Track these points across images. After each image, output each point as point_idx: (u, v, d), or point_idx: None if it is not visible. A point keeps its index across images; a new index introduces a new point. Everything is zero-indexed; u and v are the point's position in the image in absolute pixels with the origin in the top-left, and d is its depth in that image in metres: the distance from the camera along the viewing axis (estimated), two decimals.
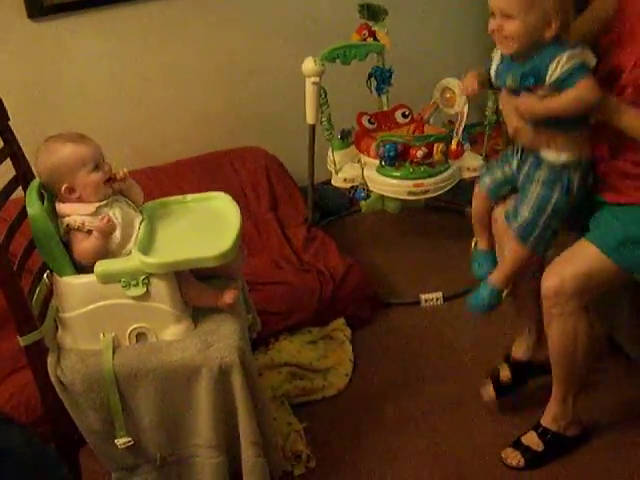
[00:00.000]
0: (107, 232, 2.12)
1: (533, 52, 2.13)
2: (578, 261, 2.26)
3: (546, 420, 2.54)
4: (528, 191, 2.35)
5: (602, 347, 2.47)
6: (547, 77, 2.10)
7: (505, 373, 2.76)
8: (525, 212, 2.35)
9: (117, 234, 2.15)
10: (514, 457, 2.54)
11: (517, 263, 2.43)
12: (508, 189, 2.51)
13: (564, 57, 2.07)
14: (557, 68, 2.08)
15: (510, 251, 2.44)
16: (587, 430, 2.60)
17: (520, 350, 2.77)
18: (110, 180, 2.17)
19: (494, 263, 2.60)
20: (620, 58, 2.24)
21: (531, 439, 2.55)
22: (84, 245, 2.10)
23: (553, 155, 2.28)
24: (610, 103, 2.15)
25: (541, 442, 2.53)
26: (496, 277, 2.48)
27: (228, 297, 2.23)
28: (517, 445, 2.56)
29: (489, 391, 2.76)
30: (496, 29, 2.14)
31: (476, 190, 2.62)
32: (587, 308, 2.31)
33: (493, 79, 2.37)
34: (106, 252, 2.13)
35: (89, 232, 2.11)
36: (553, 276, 2.28)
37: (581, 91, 2.08)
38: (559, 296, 2.26)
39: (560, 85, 2.10)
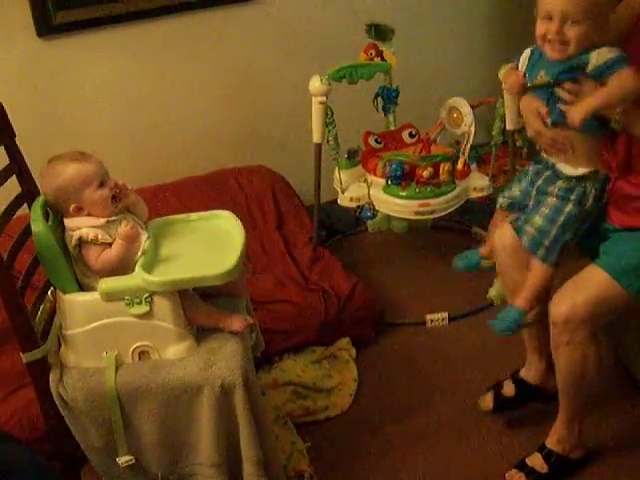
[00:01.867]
0: (132, 238, 2.12)
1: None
2: (588, 287, 2.22)
3: (551, 442, 2.52)
4: (542, 203, 2.36)
5: (609, 370, 2.44)
6: (588, 66, 2.08)
7: (509, 389, 2.78)
8: (536, 221, 2.36)
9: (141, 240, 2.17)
10: (518, 479, 2.51)
11: (537, 283, 2.40)
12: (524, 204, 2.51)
13: (604, 48, 2.07)
14: (598, 57, 2.06)
15: (531, 271, 2.42)
16: (591, 453, 2.57)
17: (529, 373, 2.78)
18: (115, 198, 2.17)
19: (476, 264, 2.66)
20: None
21: (535, 461, 2.52)
22: (107, 255, 2.11)
23: (570, 169, 2.29)
24: None
25: (545, 464, 2.50)
26: (520, 299, 2.45)
27: (238, 325, 2.24)
28: (521, 467, 2.54)
29: (487, 401, 2.80)
30: (553, 33, 2.08)
31: (497, 208, 2.62)
32: (596, 335, 2.27)
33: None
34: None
35: (103, 244, 2.11)
36: (563, 303, 2.24)
37: (625, 79, 2.04)
38: (569, 323, 2.23)
39: (602, 73, 2.08)
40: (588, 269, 2.27)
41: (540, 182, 2.39)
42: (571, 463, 2.53)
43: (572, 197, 2.30)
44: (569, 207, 2.31)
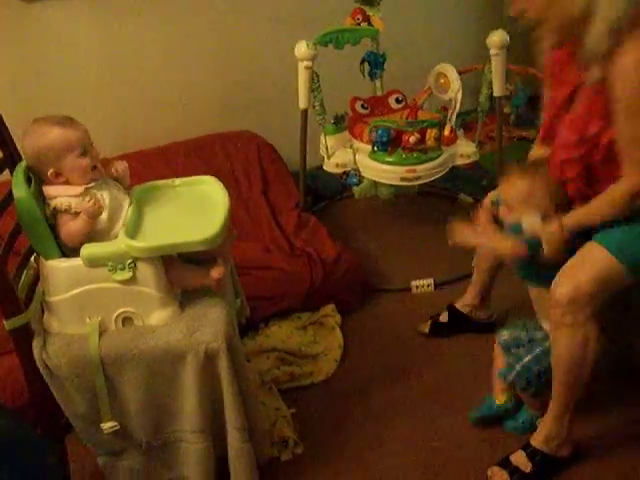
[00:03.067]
0: (94, 214, 2.08)
1: None
2: (590, 265, 2.20)
3: (537, 440, 2.45)
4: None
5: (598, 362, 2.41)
6: None
7: (444, 317, 3.10)
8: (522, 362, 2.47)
9: (104, 216, 2.12)
10: (501, 477, 2.43)
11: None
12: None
13: None
14: None
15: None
16: (579, 449, 2.50)
17: (462, 303, 3.06)
18: (97, 167, 2.14)
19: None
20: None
21: (520, 459, 2.45)
22: (70, 227, 2.08)
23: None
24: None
25: (530, 463, 2.42)
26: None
27: (215, 272, 2.21)
28: (505, 464, 2.46)
29: (425, 327, 3.12)
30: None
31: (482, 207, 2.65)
32: (595, 318, 2.23)
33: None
34: (93, 234, 2.11)
35: (76, 214, 2.08)
36: (566, 283, 2.21)
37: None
38: (574, 303, 2.19)
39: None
40: (587, 247, 2.25)
41: (533, 330, 2.53)
42: (557, 461, 2.46)
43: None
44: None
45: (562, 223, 2.23)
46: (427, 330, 3.11)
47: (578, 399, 2.37)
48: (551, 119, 2.40)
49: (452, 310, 3.09)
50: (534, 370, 2.42)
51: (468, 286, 3.05)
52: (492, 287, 2.98)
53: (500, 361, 2.58)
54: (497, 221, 2.49)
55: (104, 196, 2.13)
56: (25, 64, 3.50)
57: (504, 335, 2.57)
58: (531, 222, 2.28)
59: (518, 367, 2.45)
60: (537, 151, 2.57)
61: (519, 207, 2.33)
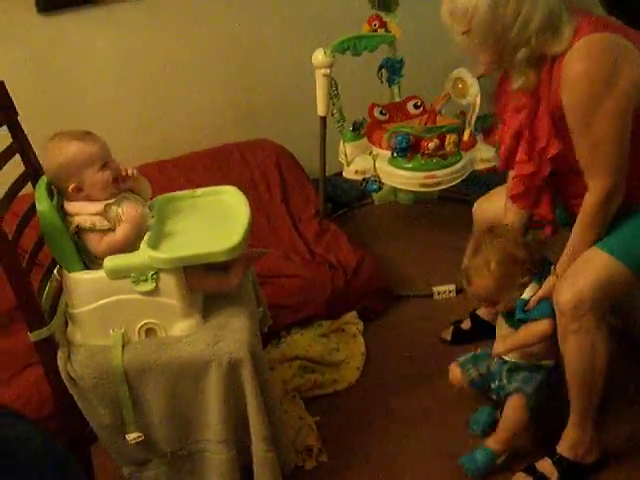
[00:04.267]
0: (140, 222, 2.13)
1: None
2: (591, 270, 2.18)
3: (562, 448, 2.42)
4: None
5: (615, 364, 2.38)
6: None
7: (466, 323, 3.10)
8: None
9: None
10: None
11: (514, 420, 2.47)
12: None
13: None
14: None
15: (506, 409, 2.50)
16: (606, 454, 2.47)
17: (483, 310, 3.03)
18: (118, 180, 2.15)
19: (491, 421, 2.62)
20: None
21: (545, 467, 2.41)
22: (112, 238, 2.10)
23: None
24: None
25: (556, 471, 2.39)
26: (493, 440, 2.50)
27: (235, 276, 2.23)
28: (530, 471, 2.43)
29: (447, 334, 3.12)
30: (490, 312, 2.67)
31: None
32: (604, 321, 2.22)
33: None
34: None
35: (102, 231, 2.11)
36: (569, 290, 2.19)
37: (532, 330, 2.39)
38: (577, 310, 2.17)
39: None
40: (588, 252, 2.23)
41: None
42: (583, 468, 2.42)
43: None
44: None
45: (557, 275, 2.29)
46: (449, 337, 3.10)
47: (598, 405, 2.35)
48: (508, 150, 2.40)
49: (474, 317, 3.08)
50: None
51: None
52: None
53: None
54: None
55: (124, 210, 2.13)
56: (42, 77, 3.51)
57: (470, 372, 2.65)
58: (531, 294, 2.37)
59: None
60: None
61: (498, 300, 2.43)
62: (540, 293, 2.33)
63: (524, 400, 2.44)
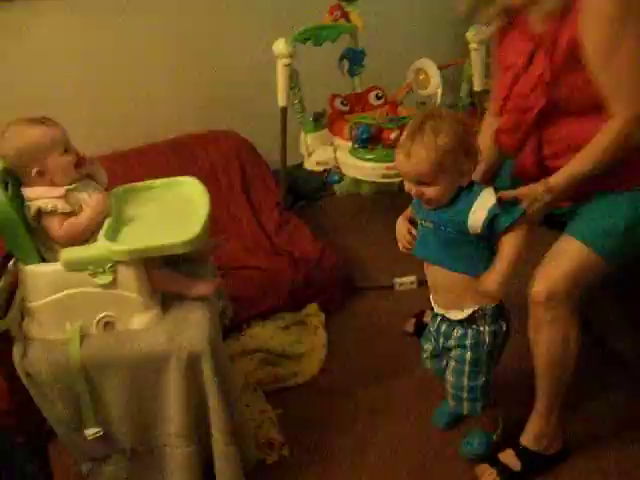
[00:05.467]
0: (104, 208, 2.10)
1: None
2: (564, 259, 2.18)
3: (526, 439, 2.42)
4: (449, 358, 2.35)
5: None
6: (468, 228, 2.08)
7: (428, 315, 3.01)
8: (449, 379, 2.35)
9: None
10: (489, 475, 2.40)
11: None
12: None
13: (477, 207, 2.06)
14: (474, 220, 2.06)
15: None
16: (568, 445, 2.47)
17: None
18: (78, 164, 2.12)
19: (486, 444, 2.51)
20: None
21: (509, 458, 2.42)
22: (74, 222, 2.08)
23: (455, 313, 2.26)
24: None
25: (519, 462, 2.39)
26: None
27: (205, 289, 2.21)
28: (493, 463, 2.42)
29: (409, 326, 3.08)
30: (413, 193, 2.12)
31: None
32: (577, 312, 2.21)
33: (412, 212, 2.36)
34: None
35: (64, 214, 2.08)
36: (542, 280, 2.18)
37: (515, 242, 2.08)
38: (551, 300, 2.16)
39: (490, 234, 2.09)
40: (561, 240, 2.23)
41: (442, 339, 2.34)
42: (546, 459, 2.43)
43: (467, 342, 2.25)
44: (468, 354, 2.27)
45: (549, 185, 2.17)
46: (412, 329, 3.07)
47: (564, 396, 2.35)
48: (503, 100, 2.36)
49: None
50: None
51: None
52: None
53: None
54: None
55: (85, 198, 2.11)
56: (2, 66, 3.45)
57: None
58: (490, 198, 2.08)
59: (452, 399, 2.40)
60: (488, 120, 2.56)
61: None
62: (517, 192, 2.16)
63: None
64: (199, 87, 3.97)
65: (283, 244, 3.35)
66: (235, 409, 2.23)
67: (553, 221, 2.37)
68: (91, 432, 2.15)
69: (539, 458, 2.41)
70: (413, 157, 2.02)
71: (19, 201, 2.08)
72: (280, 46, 3.23)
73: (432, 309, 2.48)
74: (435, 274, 2.27)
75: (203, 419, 2.17)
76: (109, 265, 2.02)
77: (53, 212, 2.07)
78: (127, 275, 2.05)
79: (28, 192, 2.09)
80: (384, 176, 3.36)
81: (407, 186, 2.12)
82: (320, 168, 3.50)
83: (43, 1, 3.44)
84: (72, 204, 2.09)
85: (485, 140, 2.45)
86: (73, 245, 2.07)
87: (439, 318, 2.35)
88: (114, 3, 3.61)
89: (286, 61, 3.26)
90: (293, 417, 2.72)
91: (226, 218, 3.50)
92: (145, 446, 2.25)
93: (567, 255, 2.18)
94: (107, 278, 2.03)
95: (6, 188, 2.04)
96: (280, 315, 3.12)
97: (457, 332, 2.27)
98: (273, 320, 3.10)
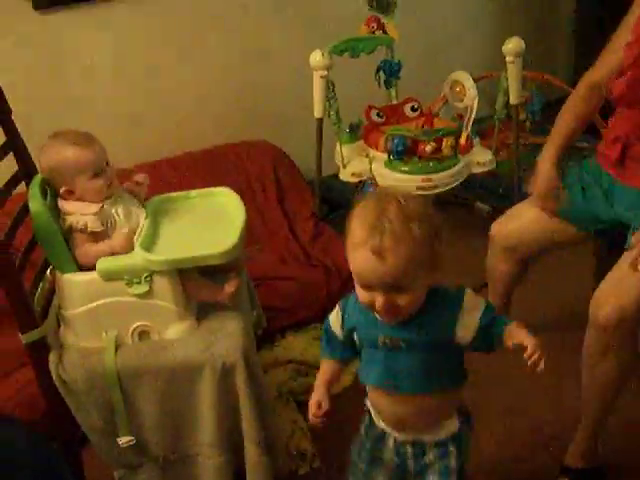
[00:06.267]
0: (124, 249, 2.08)
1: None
2: (633, 282, 2.06)
3: (574, 460, 2.38)
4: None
5: None
6: (455, 339, 1.69)
7: None
8: None
9: (124, 230, 2.12)
10: None
11: None
12: None
13: (465, 316, 1.68)
14: (465, 329, 1.68)
15: None
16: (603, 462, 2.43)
17: None
18: (111, 185, 2.13)
19: None
20: None
21: None
22: (89, 251, 2.09)
23: (431, 436, 1.87)
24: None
25: None
26: None
27: (229, 286, 2.20)
28: None
29: None
30: (381, 305, 1.60)
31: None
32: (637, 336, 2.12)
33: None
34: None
35: (92, 234, 2.09)
36: (610, 303, 2.05)
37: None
38: (622, 325, 2.04)
39: (484, 340, 1.70)
40: (624, 260, 2.13)
41: (409, 462, 1.91)
42: (597, 472, 2.39)
43: (450, 449, 1.85)
44: (453, 462, 1.85)
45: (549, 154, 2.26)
46: None
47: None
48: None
49: None
50: None
51: None
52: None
53: None
54: None
55: (119, 211, 2.13)
56: (37, 75, 3.47)
57: None
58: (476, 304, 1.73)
59: None
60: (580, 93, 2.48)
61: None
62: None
63: None
64: (236, 98, 3.98)
65: (317, 255, 3.35)
66: (267, 419, 2.23)
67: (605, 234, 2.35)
68: (124, 440, 2.16)
69: (591, 473, 2.38)
70: (389, 256, 1.53)
71: (58, 210, 2.10)
72: (317, 58, 3.24)
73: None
74: (402, 403, 1.82)
75: (236, 429, 2.18)
76: (145, 275, 2.04)
77: (82, 231, 2.08)
78: (163, 285, 2.06)
79: (65, 205, 2.11)
80: (419, 188, 3.35)
81: (367, 297, 1.63)
82: (355, 179, 3.50)
83: (88, 10, 3.47)
84: (104, 221, 2.10)
85: (568, 119, 2.45)
86: (87, 264, 2.09)
87: (397, 443, 1.92)
88: (157, 14, 3.64)
89: (323, 73, 3.26)
90: (325, 428, 2.71)
91: (261, 228, 3.50)
92: (177, 455, 2.26)
93: (636, 277, 2.07)
94: (143, 288, 2.05)
95: (45, 197, 2.06)
96: (313, 326, 3.11)
97: (432, 448, 1.87)
98: (306, 331, 3.10)
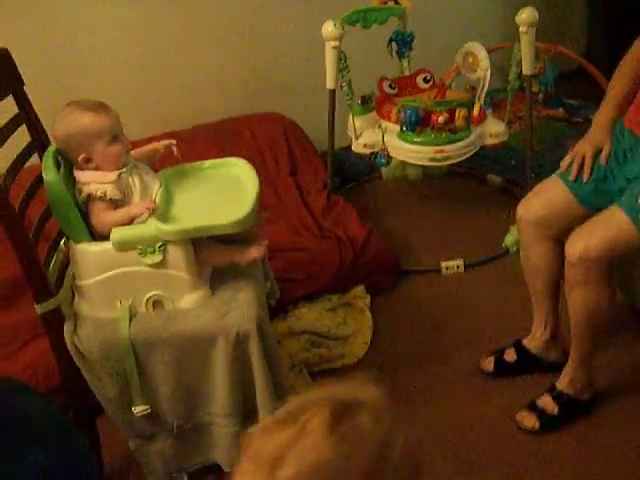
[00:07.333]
0: (139, 217, 2.09)
1: None
2: (605, 227, 2.23)
3: (562, 384, 2.54)
4: None
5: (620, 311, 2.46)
6: None
7: (510, 355, 2.78)
8: None
9: (136, 200, 2.13)
10: (529, 420, 2.53)
11: None
12: None
13: None
14: None
15: None
16: (598, 393, 2.60)
17: (533, 343, 2.75)
18: (128, 153, 2.14)
19: None
20: None
21: (546, 402, 2.54)
22: (107, 217, 2.08)
23: None
24: None
25: (556, 406, 2.52)
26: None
27: (256, 251, 2.20)
28: (532, 408, 2.55)
29: (488, 363, 2.79)
30: None
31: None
32: (610, 280, 2.28)
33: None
34: None
35: (112, 201, 2.09)
36: (579, 242, 2.25)
37: None
38: (583, 262, 2.23)
39: None
40: (609, 209, 2.27)
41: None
42: (581, 404, 2.55)
43: None
44: None
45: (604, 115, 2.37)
46: (491, 368, 2.79)
47: (597, 350, 2.48)
48: None
49: (520, 348, 2.79)
50: None
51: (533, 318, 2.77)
52: (558, 315, 2.68)
53: None
54: None
55: (135, 181, 2.13)
56: (48, 49, 3.48)
57: None
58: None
59: None
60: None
61: None
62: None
63: None
64: (246, 70, 3.98)
65: (330, 226, 3.35)
66: (281, 389, 2.23)
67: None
68: (139, 409, 2.17)
69: (574, 402, 2.54)
70: None
71: (71, 180, 2.10)
72: (329, 28, 3.22)
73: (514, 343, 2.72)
74: None
75: (249, 399, 2.18)
76: (159, 245, 2.04)
77: (102, 198, 2.08)
78: (176, 255, 2.07)
79: (80, 175, 2.10)
80: (432, 159, 3.35)
81: None
82: (367, 151, 3.49)
83: None
84: (121, 189, 2.10)
85: (623, 81, 2.49)
86: (104, 233, 2.09)
87: None
88: None
89: (335, 44, 3.25)
90: None
91: (273, 200, 3.50)
92: (191, 424, 2.27)
93: (609, 224, 2.24)
94: (157, 258, 2.05)
95: (58, 168, 2.07)
96: (327, 297, 3.12)
97: None
98: (320, 302, 3.10)
